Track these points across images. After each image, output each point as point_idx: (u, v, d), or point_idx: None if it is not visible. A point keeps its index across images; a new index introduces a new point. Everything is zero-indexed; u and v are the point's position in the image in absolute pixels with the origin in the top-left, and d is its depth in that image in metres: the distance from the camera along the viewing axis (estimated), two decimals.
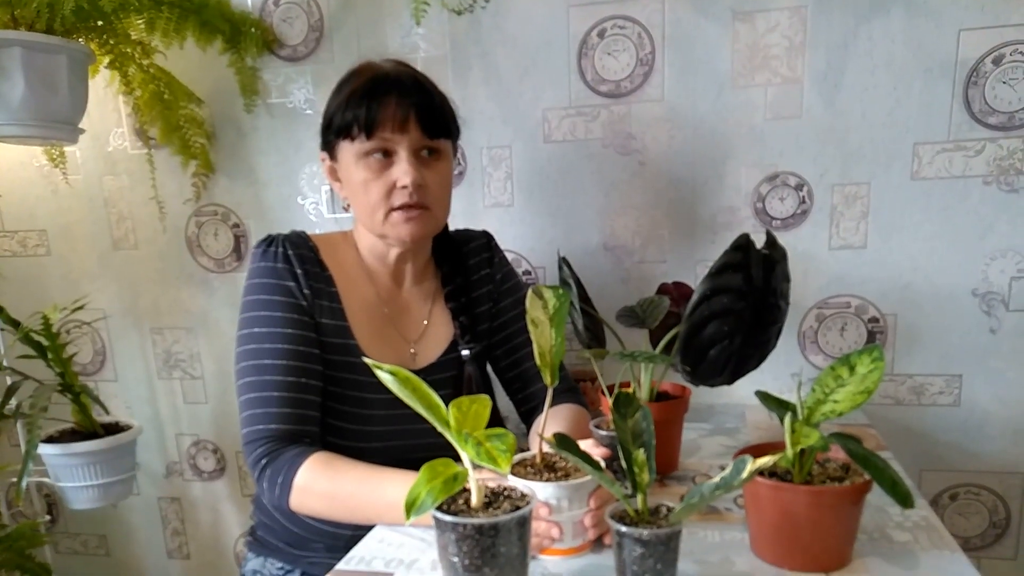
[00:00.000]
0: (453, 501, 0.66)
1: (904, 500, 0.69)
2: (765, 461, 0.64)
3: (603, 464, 0.75)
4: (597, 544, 0.83)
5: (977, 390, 1.32)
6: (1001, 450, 1.33)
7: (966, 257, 1.28)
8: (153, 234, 1.63)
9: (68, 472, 1.50)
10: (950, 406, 1.34)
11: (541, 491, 0.77)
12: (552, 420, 1.04)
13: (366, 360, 0.67)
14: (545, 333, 0.78)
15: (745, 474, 0.63)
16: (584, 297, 1.10)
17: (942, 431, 1.35)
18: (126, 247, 1.65)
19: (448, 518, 0.62)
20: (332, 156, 1.03)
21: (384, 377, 0.63)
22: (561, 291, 0.80)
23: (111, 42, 1.37)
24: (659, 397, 1.05)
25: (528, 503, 0.66)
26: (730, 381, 1.00)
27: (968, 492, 1.37)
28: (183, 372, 1.68)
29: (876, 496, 0.74)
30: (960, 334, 1.31)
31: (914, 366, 1.34)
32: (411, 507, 0.59)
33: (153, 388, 1.72)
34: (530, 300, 0.79)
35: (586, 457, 0.69)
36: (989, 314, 1.29)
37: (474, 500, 0.65)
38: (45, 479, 1.55)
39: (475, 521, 0.62)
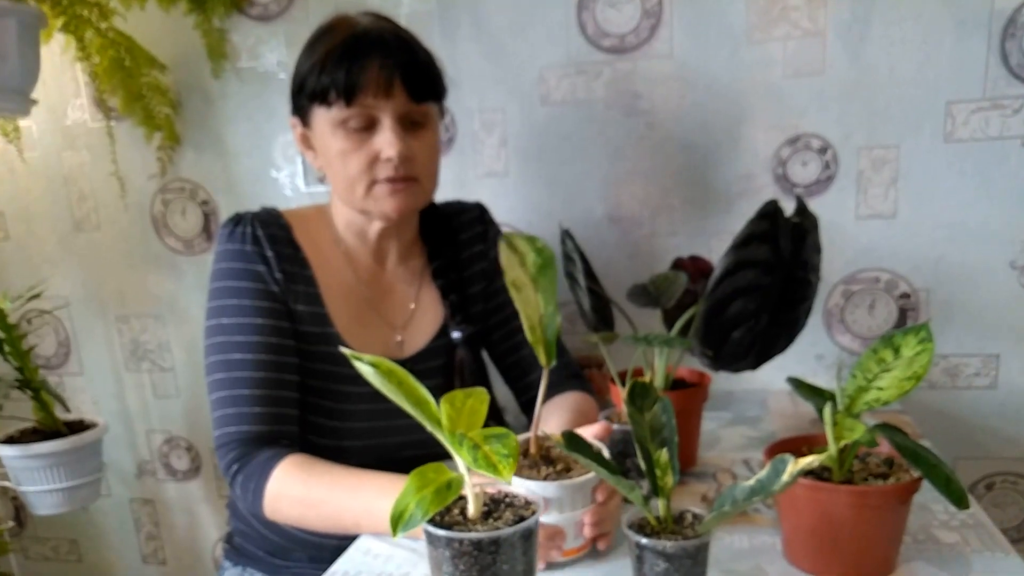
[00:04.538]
0: (447, 511, 0.59)
1: (959, 500, 0.63)
2: (809, 461, 0.56)
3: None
4: (596, 547, 0.76)
5: (1016, 371, 1.25)
6: None
7: (1004, 226, 1.20)
8: (117, 214, 1.54)
9: (29, 475, 1.40)
10: (986, 388, 1.27)
11: (543, 492, 0.70)
12: (557, 411, 0.96)
13: (344, 351, 0.59)
14: (530, 299, 0.65)
15: (786, 477, 0.56)
16: (590, 274, 1.01)
17: (978, 416, 1.28)
18: (88, 228, 1.56)
19: (442, 532, 0.55)
20: (304, 122, 0.95)
21: (364, 370, 0.55)
22: (540, 243, 0.66)
23: (64, 3, 1.29)
24: (675, 385, 0.98)
25: (533, 513, 0.58)
26: (755, 365, 0.93)
27: (1005, 481, 1.29)
28: (152, 363, 1.60)
29: (918, 492, 0.69)
30: (997, 310, 1.23)
31: (948, 346, 1.26)
32: (398, 521, 0.52)
33: (121, 381, 1.63)
34: (504, 256, 0.65)
35: (600, 459, 0.62)
36: None
37: (471, 510, 0.58)
38: (7, 483, 1.45)
39: (473, 536, 0.54)
